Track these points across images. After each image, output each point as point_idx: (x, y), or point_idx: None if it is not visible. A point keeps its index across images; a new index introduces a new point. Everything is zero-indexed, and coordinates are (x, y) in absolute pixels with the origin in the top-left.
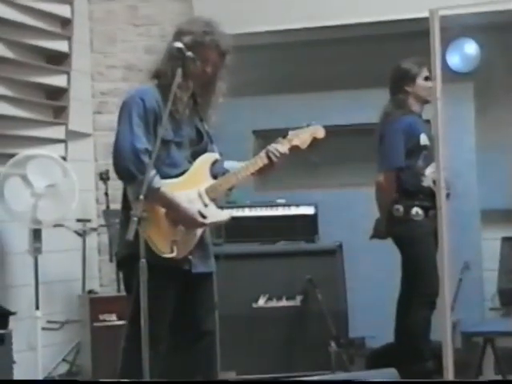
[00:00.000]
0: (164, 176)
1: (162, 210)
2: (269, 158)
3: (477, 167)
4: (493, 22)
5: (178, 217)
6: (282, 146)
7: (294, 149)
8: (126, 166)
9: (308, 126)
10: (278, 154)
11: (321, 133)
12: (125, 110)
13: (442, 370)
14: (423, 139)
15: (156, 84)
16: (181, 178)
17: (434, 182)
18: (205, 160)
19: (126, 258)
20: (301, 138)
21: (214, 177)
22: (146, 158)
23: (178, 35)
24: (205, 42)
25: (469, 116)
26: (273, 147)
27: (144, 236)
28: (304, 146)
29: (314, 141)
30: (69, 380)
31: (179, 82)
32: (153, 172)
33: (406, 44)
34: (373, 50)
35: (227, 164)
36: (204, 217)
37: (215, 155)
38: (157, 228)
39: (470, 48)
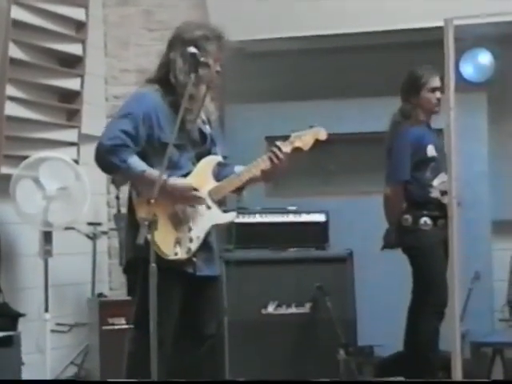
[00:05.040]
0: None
1: (165, 212)
2: (270, 159)
3: (489, 177)
4: (507, 32)
5: (171, 195)
6: (283, 148)
7: (297, 151)
8: (104, 158)
9: (311, 127)
10: (280, 156)
11: (323, 134)
12: (119, 110)
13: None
14: (430, 151)
15: (156, 88)
16: None
17: (442, 192)
18: (207, 162)
19: (132, 262)
20: (303, 139)
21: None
22: (125, 149)
23: (172, 41)
24: (194, 36)
25: (482, 126)
26: (274, 149)
27: (148, 239)
28: (306, 147)
29: (317, 142)
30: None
31: (190, 87)
32: (133, 158)
33: (419, 53)
34: (386, 58)
35: (237, 169)
36: (196, 189)
37: (217, 157)
38: (160, 230)
39: (484, 58)
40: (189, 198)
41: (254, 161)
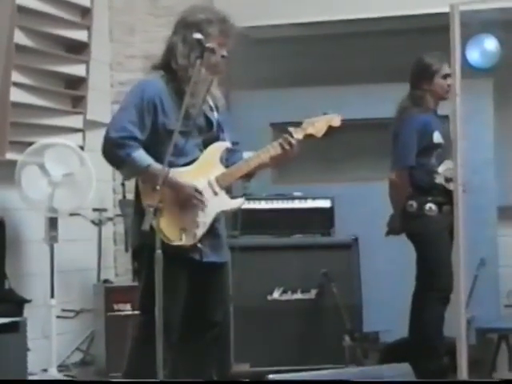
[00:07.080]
0: (171, 165)
1: (170, 198)
2: (281, 146)
3: (495, 163)
4: None
5: (175, 193)
6: (295, 135)
7: (309, 137)
8: (111, 151)
9: (324, 114)
10: (292, 142)
11: (337, 121)
12: (123, 100)
13: (455, 366)
14: (436, 137)
15: (161, 75)
16: (190, 167)
17: (447, 179)
18: (215, 149)
19: (139, 248)
20: (316, 126)
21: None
22: (131, 143)
23: (176, 25)
24: (197, 19)
25: (488, 112)
26: (285, 136)
27: (153, 225)
28: (319, 134)
29: (330, 129)
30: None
31: (197, 73)
32: (139, 152)
33: (425, 39)
34: (392, 44)
35: (246, 155)
36: (199, 192)
37: (226, 144)
38: (165, 216)
39: (490, 44)
40: (190, 199)
41: (264, 147)
